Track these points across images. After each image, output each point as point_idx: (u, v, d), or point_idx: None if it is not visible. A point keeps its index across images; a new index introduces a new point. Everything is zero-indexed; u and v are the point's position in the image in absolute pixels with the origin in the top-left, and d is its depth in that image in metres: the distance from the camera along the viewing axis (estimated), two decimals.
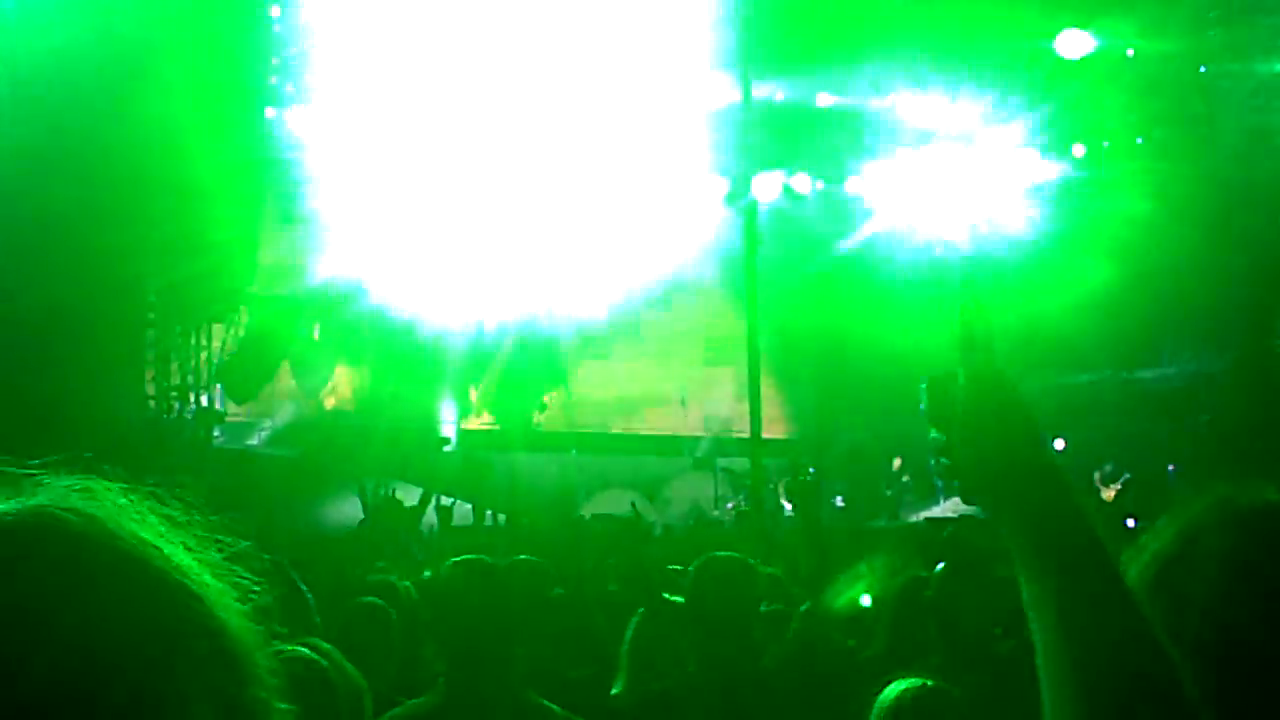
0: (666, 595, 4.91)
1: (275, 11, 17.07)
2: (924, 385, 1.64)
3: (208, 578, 1.06)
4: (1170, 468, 18.66)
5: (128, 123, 13.74)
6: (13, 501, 1.04)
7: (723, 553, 4.76)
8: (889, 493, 19.63)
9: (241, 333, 18.38)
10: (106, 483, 1.09)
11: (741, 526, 16.99)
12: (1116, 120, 19.84)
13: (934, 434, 1.62)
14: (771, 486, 17.93)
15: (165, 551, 1.05)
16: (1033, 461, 1.54)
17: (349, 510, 9.87)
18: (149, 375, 17.04)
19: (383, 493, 8.64)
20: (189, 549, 1.07)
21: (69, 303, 13.15)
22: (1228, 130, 18.50)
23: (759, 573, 4.60)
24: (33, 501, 1.04)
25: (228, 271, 17.19)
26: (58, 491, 1.06)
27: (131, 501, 1.08)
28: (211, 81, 14.37)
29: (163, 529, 1.07)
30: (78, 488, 1.07)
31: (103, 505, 1.06)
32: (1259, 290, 18.75)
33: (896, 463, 19.90)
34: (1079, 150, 20.46)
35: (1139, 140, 19.83)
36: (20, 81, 13.68)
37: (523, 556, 5.97)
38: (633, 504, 9.53)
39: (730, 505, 20.60)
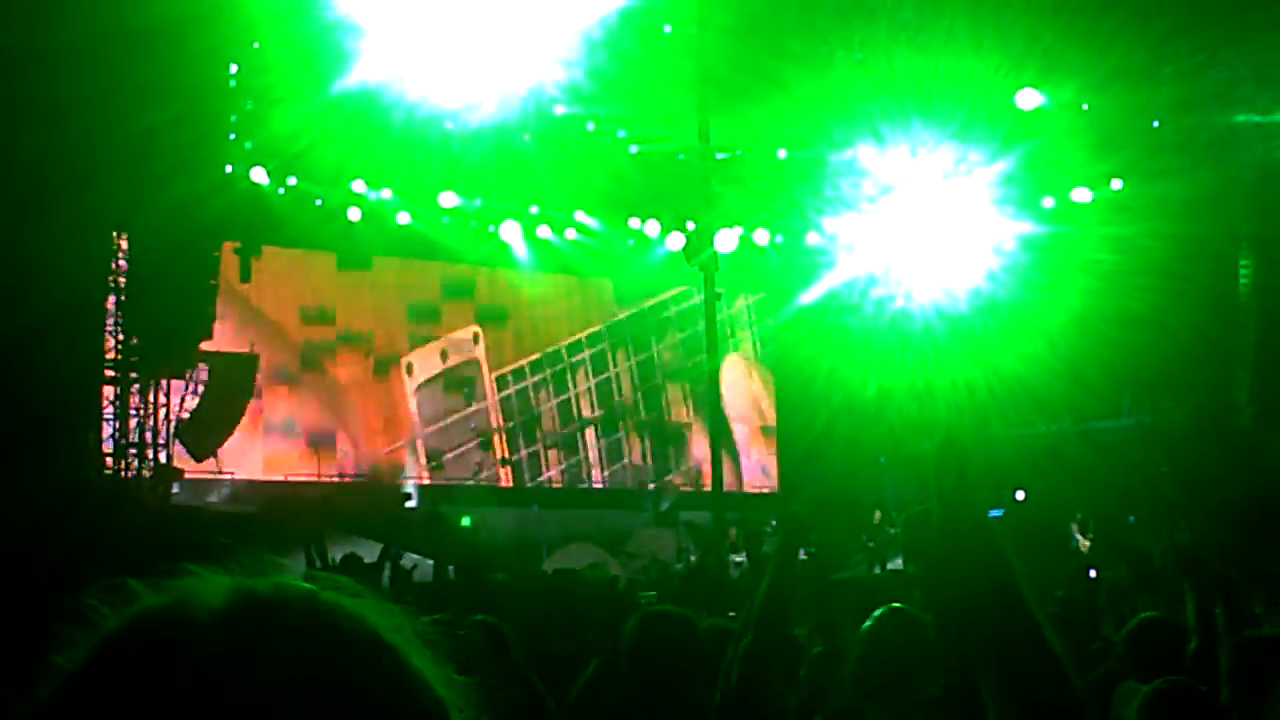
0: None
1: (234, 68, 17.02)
2: (901, 521, 1.74)
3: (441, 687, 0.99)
4: (1130, 518, 18.75)
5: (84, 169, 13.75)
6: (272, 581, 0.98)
7: (664, 606, 4.76)
8: (871, 544, 19.50)
9: (200, 389, 18.20)
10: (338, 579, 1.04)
11: (693, 579, 16.89)
12: (1073, 175, 19.98)
13: (910, 569, 1.71)
14: (727, 540, 17.84)
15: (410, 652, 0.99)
16: (1010, 607, 1.61)
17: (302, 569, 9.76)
18: (106, 432, 16.86)
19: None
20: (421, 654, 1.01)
21: (20, 353, 12.99)
22: (1183, 183, 18.64)
23: (698, 626, 4.59)
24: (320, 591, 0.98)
25: (185, 326, 17.06)
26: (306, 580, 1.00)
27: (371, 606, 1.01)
28: (172, 130, 14.39)
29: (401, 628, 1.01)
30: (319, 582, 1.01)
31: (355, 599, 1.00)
32: (1215, 343, 18.91)
33: (876, 516, 19.80)
34: (1046, 202, 20.57)
35: (1095, 195, 19.99)
36: None
37: (480, 617, 5.89)
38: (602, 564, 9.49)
39: (693, 558, 20.51)
